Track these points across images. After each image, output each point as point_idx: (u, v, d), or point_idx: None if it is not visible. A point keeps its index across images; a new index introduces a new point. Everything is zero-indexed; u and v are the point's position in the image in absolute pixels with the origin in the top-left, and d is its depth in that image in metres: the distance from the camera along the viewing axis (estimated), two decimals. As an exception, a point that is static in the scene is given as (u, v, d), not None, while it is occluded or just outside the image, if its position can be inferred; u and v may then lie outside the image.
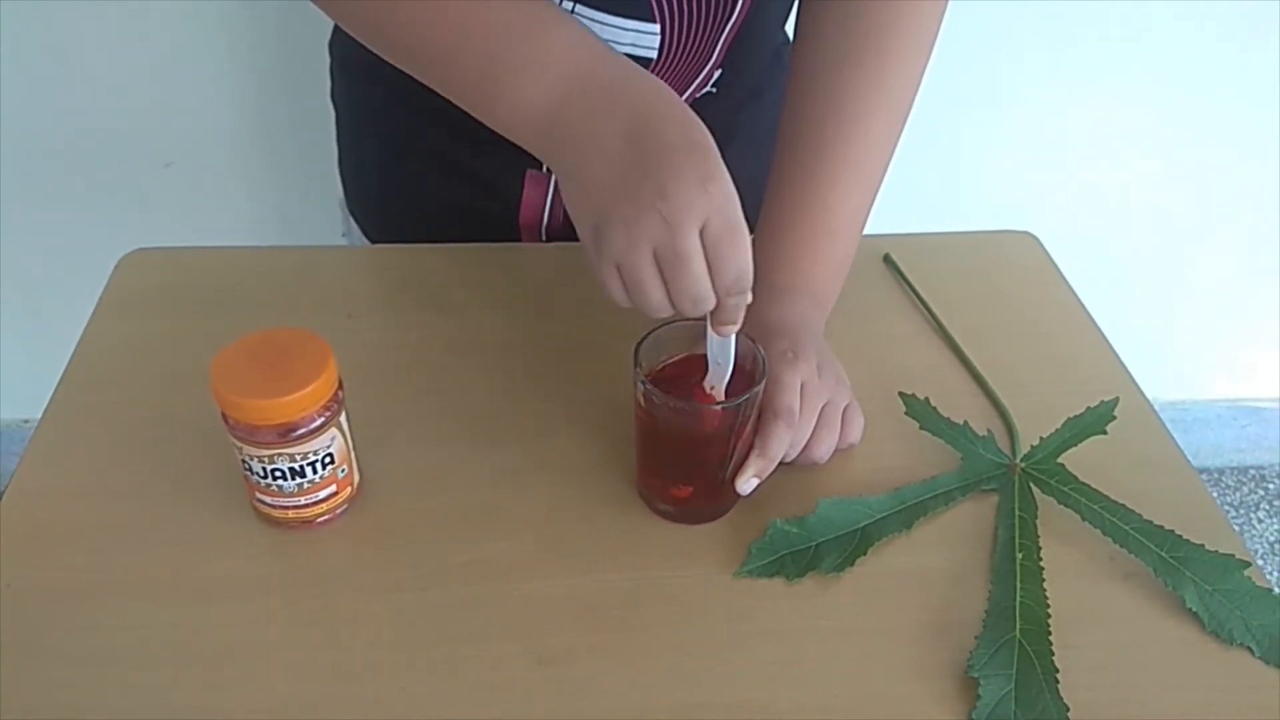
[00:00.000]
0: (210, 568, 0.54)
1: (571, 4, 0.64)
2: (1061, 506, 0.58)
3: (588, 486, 0.59)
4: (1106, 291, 0.97)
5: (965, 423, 0.62)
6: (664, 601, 0.53)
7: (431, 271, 0.74)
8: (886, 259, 0.78)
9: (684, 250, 0.47)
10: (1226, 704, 0.50)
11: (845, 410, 0.61)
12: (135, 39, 1.18)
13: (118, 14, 1.16)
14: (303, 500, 0.54)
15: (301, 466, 0.52)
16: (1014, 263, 0.80)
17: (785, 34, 0.80)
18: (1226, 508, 1.76)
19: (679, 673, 0.50)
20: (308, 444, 0.52)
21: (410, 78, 0.55)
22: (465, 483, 0.59)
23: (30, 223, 1.33)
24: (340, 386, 0.53)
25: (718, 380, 0.55)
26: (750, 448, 0.56)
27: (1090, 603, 0.54)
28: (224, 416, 0.52)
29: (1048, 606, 0.52)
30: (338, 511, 0.56)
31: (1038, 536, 0.56)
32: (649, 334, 0.55)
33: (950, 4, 0.65)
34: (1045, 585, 0.54)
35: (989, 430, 0.62)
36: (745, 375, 0.55)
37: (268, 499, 0.54)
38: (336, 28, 0.79)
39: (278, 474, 0.52)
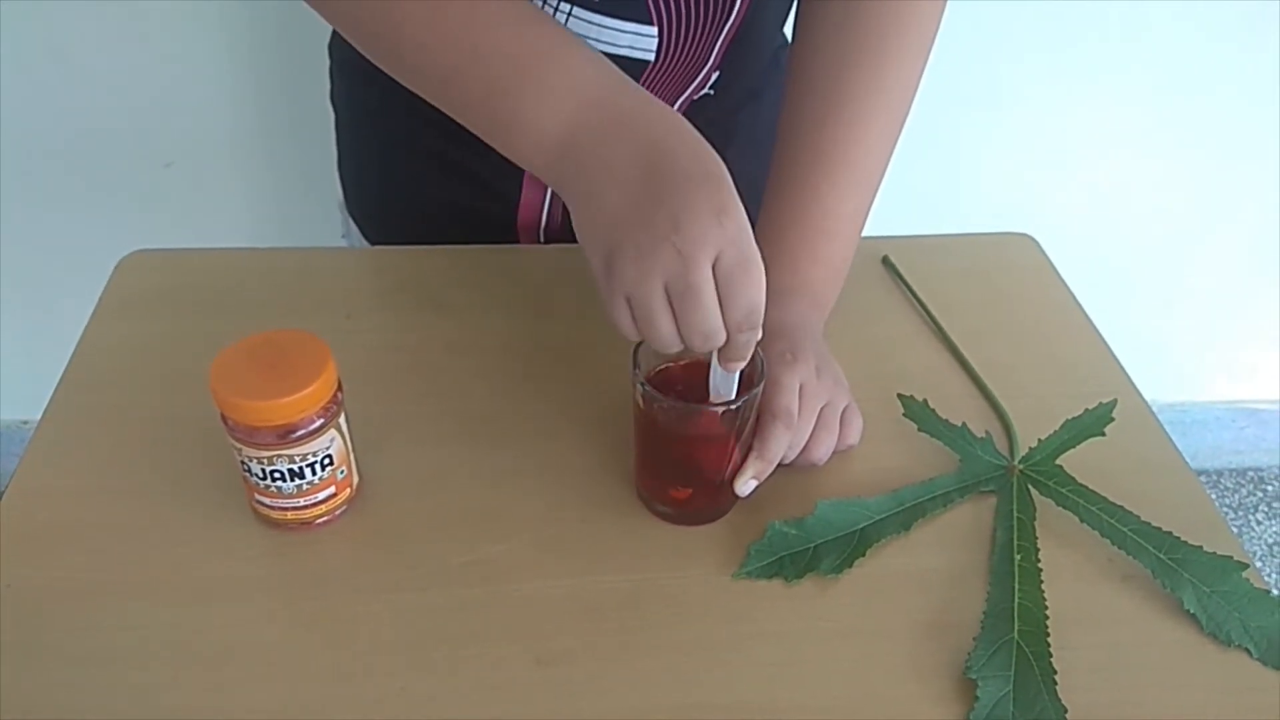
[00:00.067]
0: (210, 568, 0.54)
1: (569, 6, 0.64)
2: (1060, 508, 0.58)
3: (587, 488, 0.59)
4: (1106, 292, 0.97)
5: (964, 424, 0.62)
6: (663, 603, 0.53)
7: (431, 273, 0.74)
8: (885, 261, 0.78)
9: (696, 282, 0.47)
10: (1225, 705, 0.50)
11: (844, 412, 0.61)
12: (135, 39, 1.18)
13: (118, 14, 1.16)
14: (302, 501, 0.54)
15: (300, 468, 0.53)
16: (1012, 264, 0.80)
17: (784, 35, 0.80)
18: (1225, 510, 1.76)
19: (678, 673, 0.50)
20: (307, 445, 0.52)
21: (409, 80, 0.55)
22: (464, 484, 0.59)
23: (30, 223, 1.33)
24: (339, 388, 0.54)
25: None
26: (749, 449, 0.56)
27: (1088, 604, 0.54)
28: (223, 418, 0.52)
29: (1046, 608, 0.53)
30: (337, 513, 0.56)
31: (1036, 538, 0.56)
32: (648, 335, 0.55)
33: (950, 4, 0.65)
34: (1043, 587, 0.54)
35: (987, 432, 0.62)
36: (744, 377, 0.55)
37: (267, 500, 0.54)
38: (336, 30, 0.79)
39: (277, 475, 0.52)
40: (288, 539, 0.55)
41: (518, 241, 0.80)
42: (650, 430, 0.55)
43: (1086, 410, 0.61)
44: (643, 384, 0.53)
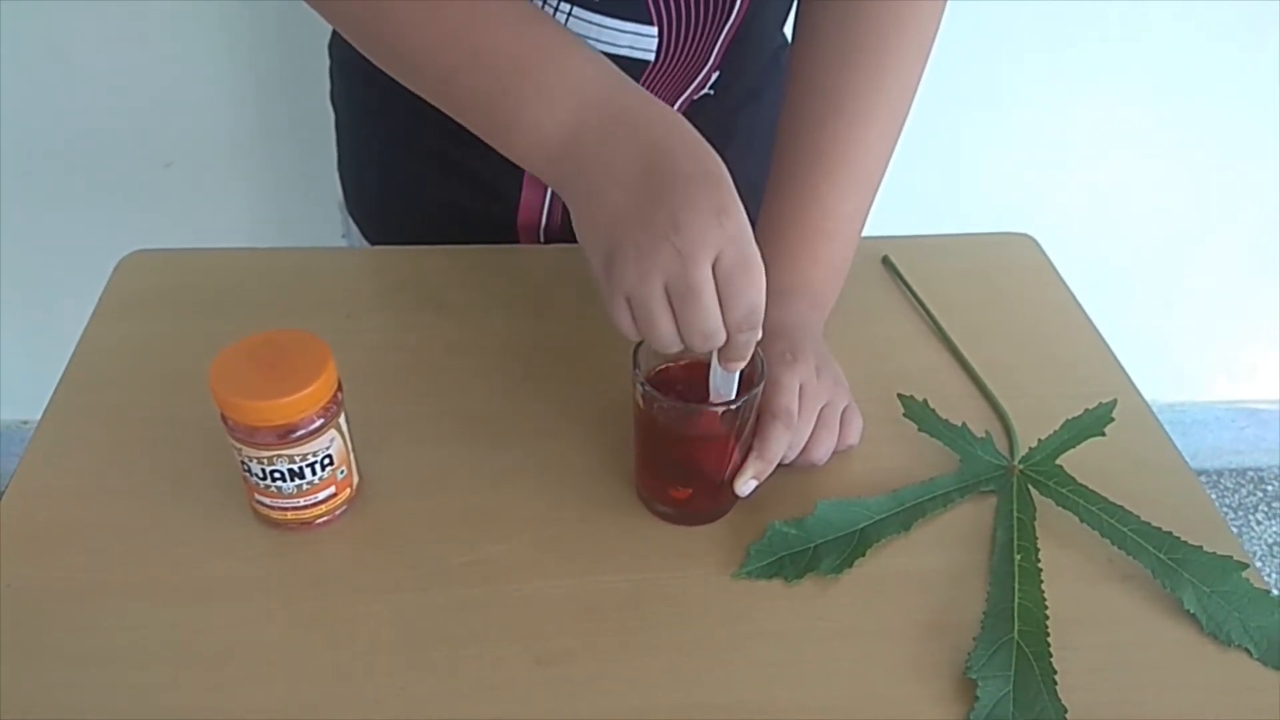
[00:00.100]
0: (210, 568, 0.54)
1: (569, 6, 0.64)
2: (1060, 508, 0.58)
3: (587, 488, 0.59)
4: (1106, 292, 0.97)
5: (964, 424, 0.62)
6: (663, 602, 0.53)
7: (431, 273, 0.74)
8: (885, 261, 0.78)
9: (696, 282, 0.47)
10: (1224, 705, 0.50)
11: (844, 412, 0.61)
12: (135, 39, 1.18)
13: (118, 14, 1.16)
14: (302, 501, 0.54)
15: (300, 468, 0.53)
16: (1012, 264, 0.80)
17: (784, 35, 0.80)
18: (1225, 509, 1.76)
19: (678, 673, 0.50)
20: (307, 445, 0.52)
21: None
22: (464, 484, 0.59)
23: (30, 223, 1.33)
24: (339, 388, 0.54)
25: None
26: (749, 449, 0.56)
27: (1088, 604, 0.54)
28: (223, 417, 0.52)
29: (1046, 608, 0.53)
30: (337, 513, 0.56)
31: (1036, 538, 0.56)
32: (648, 335, 0.55)
33: (950, 4, 0.65)
34: (1043, 587, 0.54)
35: (987, 432, 0.62)
36: (744, 377, 0.55)
37: (267, 500, 0.54)
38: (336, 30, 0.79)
39: (277, 475, 0.52)
40: (288, 539, 0.55)
41: (518, 241, 0.80)
42: (650, 430, 0.55)
43: (1086, 410, 0.61)
44: (643, 384, 0.53)
